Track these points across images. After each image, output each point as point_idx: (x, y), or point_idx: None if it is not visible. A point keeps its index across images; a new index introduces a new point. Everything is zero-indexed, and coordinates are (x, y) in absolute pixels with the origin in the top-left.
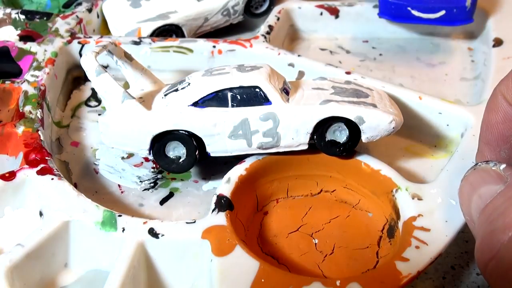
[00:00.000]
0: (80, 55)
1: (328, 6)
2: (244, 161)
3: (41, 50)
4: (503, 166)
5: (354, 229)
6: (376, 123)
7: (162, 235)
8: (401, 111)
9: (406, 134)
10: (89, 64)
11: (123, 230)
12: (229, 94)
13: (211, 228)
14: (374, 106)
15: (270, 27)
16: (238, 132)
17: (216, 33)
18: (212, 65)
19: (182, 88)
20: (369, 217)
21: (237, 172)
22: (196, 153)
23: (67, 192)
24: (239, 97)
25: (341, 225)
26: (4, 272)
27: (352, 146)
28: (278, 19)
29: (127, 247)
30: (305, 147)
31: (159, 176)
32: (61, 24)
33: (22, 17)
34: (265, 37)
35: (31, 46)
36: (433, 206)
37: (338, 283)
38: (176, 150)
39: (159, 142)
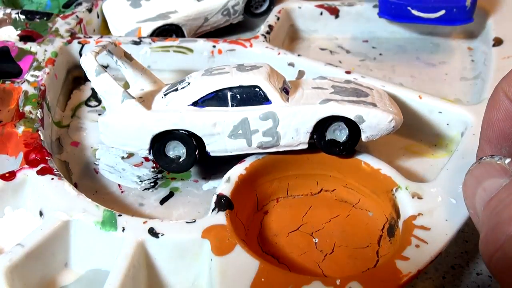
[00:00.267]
0: (80, 55)
1: (328, 6)
2: (244, 160)
3: (41, 50)
4: (508, 160)
5: (354, 228)
6: (376, 122)
7: (162, 235)
8: (401, 110)
9: (406, 133)
10: (88, 64)
11: (123, 229)
12: (229, 94)
13: (211, 228)
14: (374, 105)
15: (270, 27)
16: (238, 131)
17: (216, 33)
18: (212, 65)
19: (182, 88)
20: (369, 216)
21: (237, 171)
22: (196, 152)
23: (67, 192)
24: (239, 97)
25: (341, 224)
26: (4, 272)
27: (352, 145)
28: (278, 19)
29: (127, 247)
30: (305, 146)
31: (159, 175)
32: (61, 24)
33: (22, 17)
34: (265, 37)
35: (31, 46)
36: (433, 205)
37: (338, 282)
38: (176, 150)
39: (159, 141)
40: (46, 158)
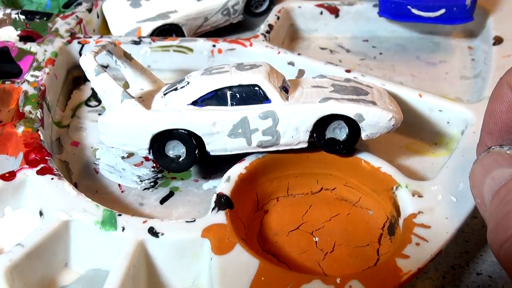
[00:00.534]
0: (80, 55)
1: (328, 5)
2: (244, 159)
3: (41, 50)
4: None
5: (354, 227)
6: (375, 120)
7: (162, 234)
8: (401, 109)
9: (406, 132)
10: (88, 64)
11: (123, 229)
12: (229, 93)
13: (211, 227)
14: (374, 103)
15: (270, 26)
16: (237, 130)
17: (216, 32)
18: (212, 64)
19: (181, 87)
20: (370, 214)
21: (237, 170)
22: (196, 152)
23: (67, 192)
24: (238, 96)
25: (341, 223)
26: (4, 272)
27: (352, 144)
28: (278, 18)
29: (127, 246)
30: (305, 145)
31: (159, 175)
32: (61, 24)
33: (22, 17)
34: (265, 36)
35: (31, 46)
36: (434, 203)
37: (338, 280)
38: (176, 149)
39: (159, 141)
40: (46, 158)
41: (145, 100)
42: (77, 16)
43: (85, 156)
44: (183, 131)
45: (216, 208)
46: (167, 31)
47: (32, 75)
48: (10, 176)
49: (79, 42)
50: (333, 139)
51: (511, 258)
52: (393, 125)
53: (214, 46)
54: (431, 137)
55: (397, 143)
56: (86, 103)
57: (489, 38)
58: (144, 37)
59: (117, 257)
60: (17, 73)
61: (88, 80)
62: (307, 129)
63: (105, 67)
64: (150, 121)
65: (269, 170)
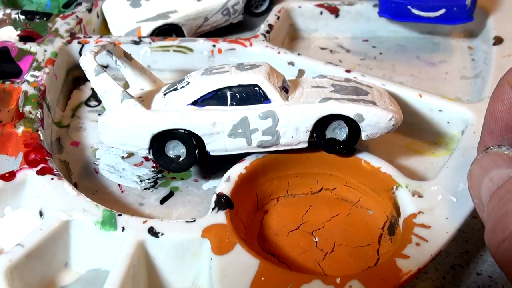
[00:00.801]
0: (80, 55)
1: (328, 5)
2: (244, 159)
3: (41, 50)
4: None
5: (354, 227)
6: (375, 120)
7: (162, 234)
8: (401, 109)
9: (406, 132)
10: (88, 64)
11: (123, 229)
12: (229, 93)
13: (211, 227)
14: (374, 103)
15: (270, 26)
16: (237, 130)
17: (216, 32)
18: (212, 64)
19: (181, 87)
20: (370, 214)
21: (237, 170)
22: (196, 152)
23: (67, 192)
24: (238, 96)
25: (341, 223)
26: (4, 272)
27: (352, 144)
28: (278, 18)
29: (127, 246)
30: (305, 145)
31: (159, 175)
32: (61, 24)
33: (22, 17)
34: (265, 36)
35: (31, 46)
36: (434, 203)
37: (338, 280)
38: (176, 149)
39: (159, 141)
40: (46, 158)
41: (145, 100)
42: (77, 16)
43: (85, 156)
44: (183, 131)
45: (216, 208)
46: (167, 31)
47: (32, 75)
48: (10, 176)
49: (79, 42)
50: (333, 139)
51: (508, 258)
52: (393, 125)
53: (214, 46)
54: (431, 137)
55: (397, 143)
56: (86, 103)
57: (489, 38)
58: (144, 37)
59: (117, 257)
60: (17, 73)
61: (88, 80)
62: (307, 129)
63: (105, 67)
64: (150, 121)
65: (269, 170)
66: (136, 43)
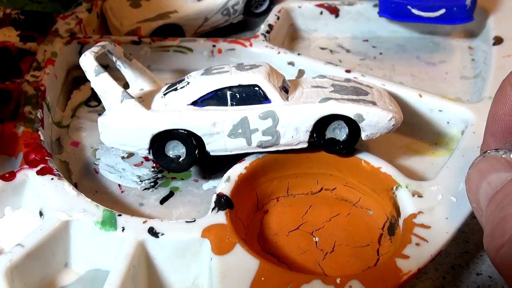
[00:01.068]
0: (80, 55)
1: (328, 5)
2: (244, 159)
3: (41, 50)
4: None
5: (354, 227)
6: (375, 120)
7: (162, 234)
8: (401, 109)
9: (406, 132)
10: (88, 64)
11: (123, 229)
12: (228, 93)
13: (211, 227)
14: (374, 103)
15: (270, 26)
16: (237, 131)
17: (216, 32)
18: (212, 64)
19: (181, 88)
20: (370, 214)
21: (237, 171)
22: (196, 152)
23: (67, 192)
24: (238, 96)
25: (341, 223)
26: (4, 272)
27: (352, 144)
28: (278, 18)
29: (127, 247)
30: (305, 145)
31: (159, 175)
32: (61, 24)
33: (22, 17)
34: (265, 36)
35: (31, 46)
36: (434, 203)
37: (338, 280)
38: (176, 149)
39: (159, 141)
40: (46, 158)
41: (145, 100)
42: (77, 16)
43: (85, 156)
44: (183, 131)
45: (216, 208)
46: (167, 31)
47: (32, 75)
48: (10, 176)
49: (79, 42)
50: (333, 139)
51: (507, 263)
52: (393, 125)
53: (214, 46)
54: (431, 137)
55: (397, 143)
56: (86, 103)
57: (489, 38)
58: (144, 37)
59: (117, 257)
60: (17, 73)
61: (88, 80)
62: (307, 129)
63: (105, 67)
64: (150, 121)
65: (269, 170)
66: (136, 43)
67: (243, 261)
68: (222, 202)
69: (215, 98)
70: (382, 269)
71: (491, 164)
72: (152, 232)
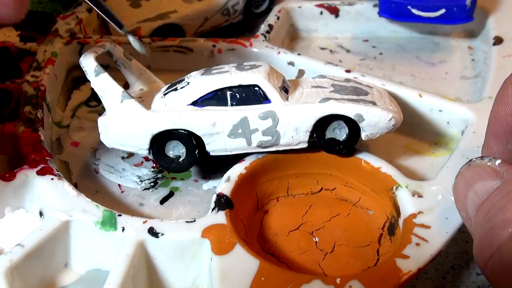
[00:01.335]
0: (80, 55)
1: (328, 6)
2: (244, 159)
3: (41, 50)
4: (498, 161)
5: (354, 227)
6: (375, 120)
7: (162, 234)
8: (401, 109)
9: (406, 132)
10: (88, 64)
11: (123, 229)
12: (228, 93)
13: (211, 227)
14: (374, 103)
15: (270, 26)
16: (237, 131)
17: (216, 32)
18: (212, 64)
19: (181, 88)
20: (370, 214)
21: (237, 171)
22: (196, 152)
23: (67, 192)
24: (238, 96)
25: (341, 223)
26: (4, 272)
27: (352, 144)
28: (278, 18)
29: (127, 247)
30: (305, 145)
31: (159, 175)
32: (61, 24)
33: None
34: (265, 36)
35: (31, 46)
36: (434, 203)
37: (338, 280)
38: (176, 150)
39: (159, 141)
40: (46, 158)
41: (145, 100)
42: (77, 16)
43: (85, 156)
44: (183, 131)
45: (216, 208)
46: (167, 31)
47: (32, 75)
48: (10, 176)
49: (79, 42)
50: (333, 139)
51: (497, 274)
52: (393, 125)
53: (214, 46)
54: (431, 137)
55: (397, 143)
56: (86, 103)
57: (489, 38)
58: (144, 37)
59: (117, 257)
60: (17, 73)
61: (88, 80)
62: (307, 129)
63: (105, 67)
64: (150, 121)
65: (269, 170)
66: None
67: (243, 261)
68: (222, 202)
69: (215, 98)
70: (382, 269)
71: (477, 173)
72: (152, 232)
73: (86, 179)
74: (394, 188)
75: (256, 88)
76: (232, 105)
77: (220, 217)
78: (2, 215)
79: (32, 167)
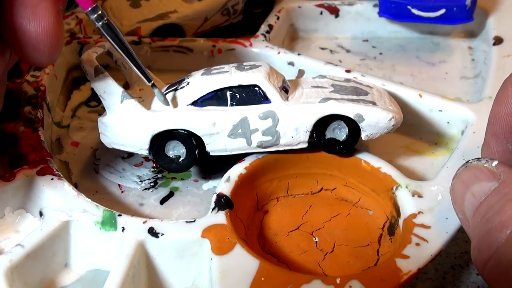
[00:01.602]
0: (80, 55)
1: (328, 6)
2: (244, 160)
3: None
4: (495, 162)
5: (354, 227)
6: (375, 120)
7: (162, 234)
8: (401, 109)
9: (406, 132)
10: (88, 64)
11: (123, 229)
12: (228, 93)
13: (211, 227)
14: (374, 103)
15: (270, 26)
16: (237, 131)
17: (216, 32)
18: (212, 64)
19: (181, 88)
20: (370, 214)
21: (237, 171)
22: (196, 152)
23: (67, 192)
24: (238, 96)
25: (341, 223)
26: (4, 272)
27: (352, 144)
28: (278, 18)
29: (127, 247)
30: (305, 145)
31: (159, 175)
32: None
33: None
34: (265, 36)
35: None
36: (434, 203)
37: (338, 280)
38: (176, 150)
39: (159, 141)
40: (46, 158)
41: (145, 100)
42: (77, 17)
43: (85, 156)
44: (183, 131)
45: (216, 208)
46: (167, 31)
47: (32, 75)
48: (10, 176)
49: (79, 42)
50: (333, 139)
51: (495, 276)
52: (393, 125)
53: (214, 46)
54: (431, 137)
55: (397, 143)
56: (86, 103)
57: (489, 38)
58: (144, 37)
59: (117, 257)
60: (17, 73)
61: (88, 80)
62: (307, 129)
63: (105, 67)
64: (150, 121)
65: (269, 170)
66: (136, 43)
67: (243, 261)
68: (222, 202)
69: (215, 98)
70: (382, 269)
71: (474, 174)
72: (152, 232)
73: (86, 179)
74: (394, 188)
75: (256, 88)
76: (232, 105)
77: (220, 217)
78: (2, 215)
79: (32, 167)
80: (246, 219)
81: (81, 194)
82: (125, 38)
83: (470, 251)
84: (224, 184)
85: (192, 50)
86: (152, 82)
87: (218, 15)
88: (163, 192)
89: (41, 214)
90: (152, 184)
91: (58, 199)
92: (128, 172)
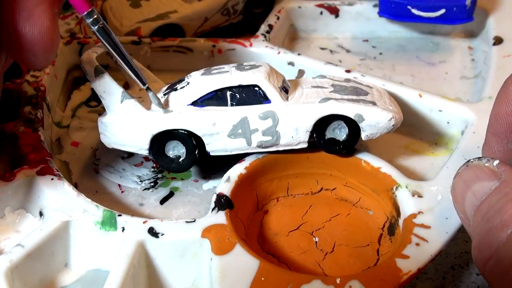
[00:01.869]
0: (80, 55)
1: (328, 6)
2: (244, 160)
3: None
4: (496, 162)
5: (354, 227)
6: (375, 120)
7: (162, 234)
8: (401, 109)
9: (406, 132)
10: (88, 64)
11: (123, 229)
12: (228, 93)
13: (211, 227)
14: (374, 103)
15: (270, 26)
16: (237, 131)
17: (216, 32)
18: (212, 64)
19: (181, 88)
20: (370, 214)
21: (237, 171)
22: (196, 152)
23: (67, 192)
24: (238, 96)
25: (341, 223)
26: (4, 272)
27: (352, 144)
28: (278, 18)
29: (127, 247)
30: (305, 145)
31: (159, 175)
32: (61, 25)
33: None
34: (265, 36)
35: None
36: (434, 203)
37: (338, 281)
38: (176, 150)
39: (159, 141)
40: (46, 158)
41: (145, 100)
42: (77, 17)
43: (85, 156)
44: (183, 131)
45: (216, 208)
46: (167, 31)
47: (32, 75)
48: (10, 176)
49: (79, 42)
50: (333, 139)
51: (496, 275)
52: (393, 125)
53: (214, 46)
54: (431, 137)
55: (397, 143)
56: (86, 103)
57: (489, 38)
58: (144, 37)
59: (117, 257)
60: (17, 73)
61: (88, 80)
62: (307, 129)
63: (105, 67)
64: (150, 121)
65: (269, 170)
66: (136, 43)
67: (243, 261)
68: (222, 202)
69: (215, 98)
70: (382, 269)
71: (475, 173)
72: (152, 232)
73: (86, 179)
74: (394, 188)
75: (256, 88)
76: (232, 105)
77: (220, 217)
78: (2, 215)
79: (32, 167)
80: (246, 219)
81: (81, 194)
82: (125, 38)
83: (471, 251)
84: (224, 184)
85: (192, 50)
86: (147, 85)
87: (218, 15)
88: (163, 192)
89: (41, 214)
90: (152, 184)
91: (58, 199)
92: (128, 172)
